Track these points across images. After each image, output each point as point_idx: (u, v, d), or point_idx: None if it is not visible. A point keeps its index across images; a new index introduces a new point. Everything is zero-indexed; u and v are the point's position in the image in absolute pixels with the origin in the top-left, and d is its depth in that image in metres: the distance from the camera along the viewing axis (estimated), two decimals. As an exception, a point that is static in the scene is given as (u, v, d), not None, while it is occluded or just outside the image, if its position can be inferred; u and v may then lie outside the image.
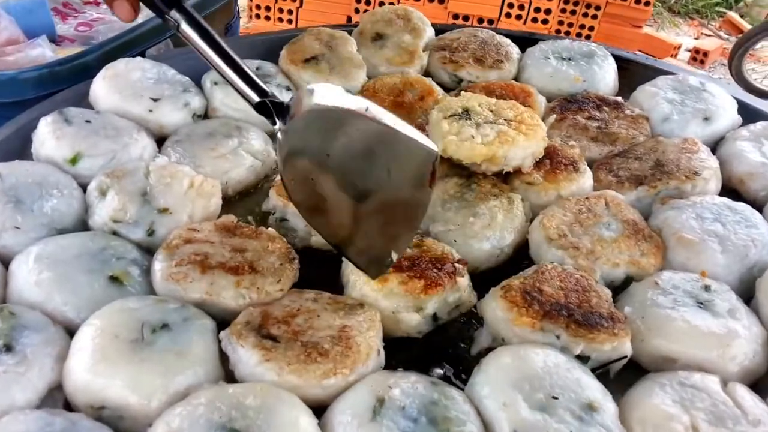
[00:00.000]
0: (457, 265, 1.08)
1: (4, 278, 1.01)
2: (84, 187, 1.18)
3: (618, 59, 1.70)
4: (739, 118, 1.51)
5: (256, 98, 0.98)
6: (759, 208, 1.27)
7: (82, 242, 1.05)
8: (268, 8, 4.15)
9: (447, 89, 1.62)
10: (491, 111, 1.30)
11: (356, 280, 1.06)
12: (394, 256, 1.00)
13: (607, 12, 3.99)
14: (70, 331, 0.94)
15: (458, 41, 1.71)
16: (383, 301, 1.03)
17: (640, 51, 4.15)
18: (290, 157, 0.94)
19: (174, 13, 1.03)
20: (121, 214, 1.11)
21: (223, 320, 0.99)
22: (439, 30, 1.79)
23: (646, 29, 4.58)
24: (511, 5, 3.75)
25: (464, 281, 1.08)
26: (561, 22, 3.96)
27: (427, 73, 1.67)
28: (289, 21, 4.42)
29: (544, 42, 1.72)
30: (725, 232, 1.17)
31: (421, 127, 1.34)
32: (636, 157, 1.37)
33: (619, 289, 1.13)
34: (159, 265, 1.03)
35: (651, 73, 1.66)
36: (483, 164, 1.24)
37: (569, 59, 1.65)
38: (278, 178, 1.20)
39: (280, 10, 4.24)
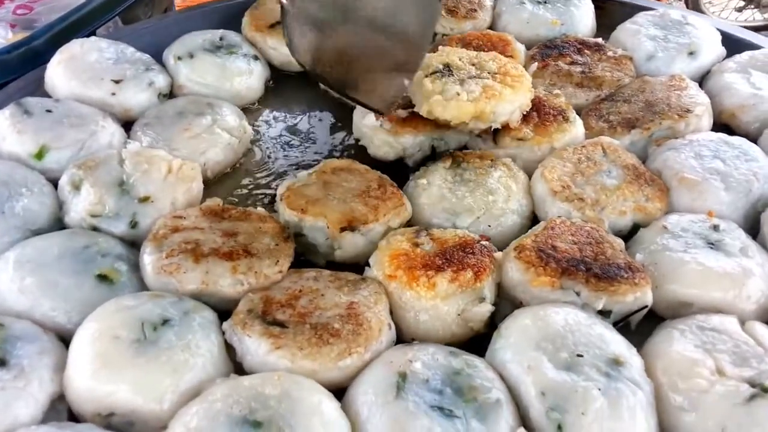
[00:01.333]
0: (484, 243, 1.07)
1: (-16, 290, 0.97)
2: (55, 183, 1.14)
3: (594, -1, 1.69)
4: (723, 50, 1.51)
5: None
6: (753, 141, 1.28)
7: (61, 242, 1.01)
8: None
9: None
10: (473, 65, 1.28)
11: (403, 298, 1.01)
12: (407, 82, 1.11)
13: None
14: (63, 338, 0.91)
15: None
16: (443, 306, 0.99)
17: None
18: (299, 19, 1.07)
19: None
20: (99, 208, 1.07)
21: (222, 310, 0.97)
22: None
23: None
24: None
25: (500, 255, 1.06)
26: None
27: None
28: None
29: None
30: (726, 169, 1.18)
31: (403, 87, 1.31)
32: (624, 100, 1.37)
33: (628, 236, 1.14)
34: (148, 258, 1.00)
35: (629, 10, 1.65)
36: (471, 122, 1.22)
37: (545, 2, 1.63)
38: (281, 189, 1.16)
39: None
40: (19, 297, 0.94)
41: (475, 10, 1.64)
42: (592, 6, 1.66)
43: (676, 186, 1.19)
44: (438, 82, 1.24)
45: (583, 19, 1.62)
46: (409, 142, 1.28)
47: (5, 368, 0.84)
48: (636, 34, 1.53)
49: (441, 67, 1.27)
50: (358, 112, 1.34)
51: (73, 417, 0.87)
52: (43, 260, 0.98)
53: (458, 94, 1.21)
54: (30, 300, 0.94)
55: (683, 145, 1.24)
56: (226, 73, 1.41)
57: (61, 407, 0.87)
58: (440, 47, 1.37)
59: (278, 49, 1.50)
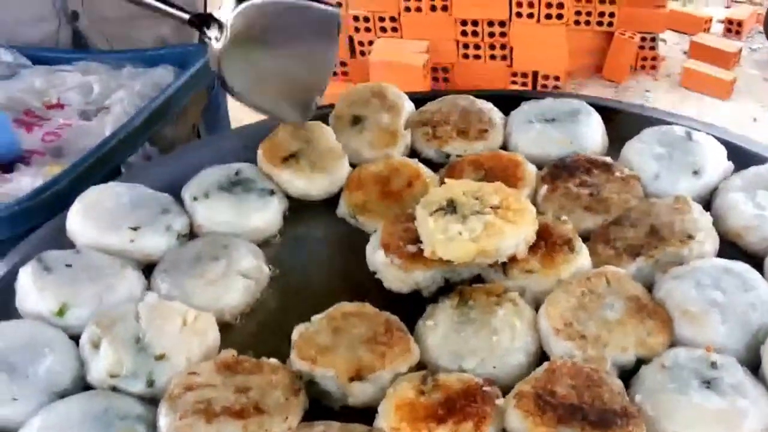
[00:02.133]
0: (486, 389, 1.12)
1: (9, 459, 1.07)
2: (76, 339, 1.24)
3: (604, 110, 1.76)
4: (730, 165, 1.58)
5: (185, 15, 1.42)
6: (760, 261, 1.34)
7: (83, 406, 1.10)
8: None
9: (435, 164, 1.70)
10: (476, 198, 1.35)
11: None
12: (318, 100, 1.60)
13: None
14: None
15: (439, 113, 1.77)
16: None
17: (670, 30, 4.10)
18: (228, 55, 1.41)
19: None
20: (117, 368, 1.17)
21: (234, 469, 1.04)
22: (418, 100, 1.86)
23: (672, 5, 4.54)
24: (520, 4, 3.71)
25: (502, 401, 1.12)
26: (578, 13, 3.89)
27: (413, 151, 1.75)
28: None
29: (526, 103, 1.78)
30: (725, 300, 1.24)
31: (411, 218, 1.39)
32: (630, 224, 1.43)
33: (633, 370, 1.19)
34: (164, 420, 1.09)
35: (640, 121, 1.73)
36: (476, 259, 1.30)
37: (553, 120, 1.72)
38: (294, 335, 1.24)
39: None
40: (44, 467, 1.02)
41: (486, 130, 1.73)
42: (600, 120, 1.74)
43: (678, 318, 1.25)
44: (441, 220, 1.31)
45: (593, 136, 1.70)
46: (421, 277, 1.36)
47: None
48: (642, 153, 1.60)
49: (445, 203, 1.34)
50: (370, 248, 1.43)
51: None
52: (65, 427, 1.06)
53: (460, 234, 1.28)
54: (53, 470, 1.02)
55: (687, 273, 1.30)
56: (242, 210, 1.51)
57: None
58: (446, 179, 1.44)
59: (293, 183, 1.61)
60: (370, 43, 3.73)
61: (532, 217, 1.35)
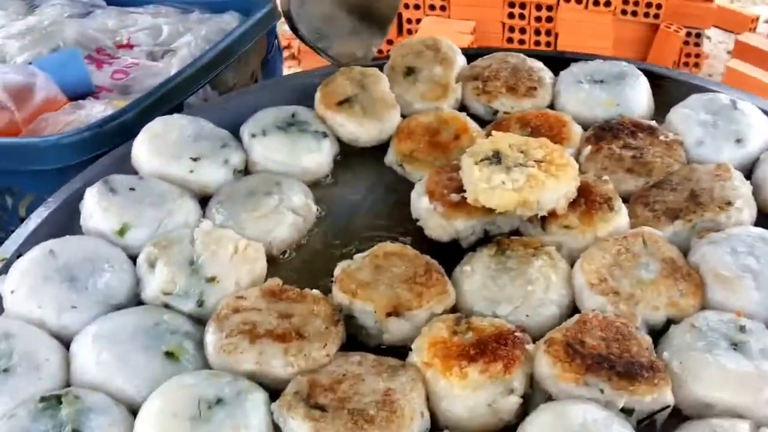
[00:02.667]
0: (518, 334, 1.13)
1: (66, 361, 1.11)
2: (134, 259, 1.28)
3: (652, 76, 1.73)
4: (775, 135, 1.53)
5: None
6: (799, 233, 1.30)
7: (136, 319, 1.14)
8: None
9: (483, 121, 1.68)
10: (522, 152, 1.34)
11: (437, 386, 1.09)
12: (378, 43, 1.63)
13: None
14: (132, 410, 1.03)
15: (489, 69, 1.75)
16: (473, 396, 1.05)
17: (715, 26, 3.98)
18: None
19: None
20: (170, 286, 1.20)
21: (273, 389, 1.07)
22: (470, 55, 1.85)
23: (720, 1, 4.39)
24: None
25: (532, 347, 1.12)
26: (626, 2, 3.80)
27: (461, 106, 1.73)
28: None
29: (575, 65, 1.75)
30: (759, 267, 1.21)
31: (456, 169, 1.40)
32: (671, 188, 1.41)
33: (662, 331, 1.18)
34: (210, 338, 1.12)
35: (685, 89, 1.69)
36: (517, 210, 1.29)
37: (602, 81, 1.68)
38: (336, 271, 1.26)
39: None
40: (96, 370, 1.07)
41: (535, 88, 1.70)
42: (648, 85, 1.70)
43: (711, 282, 1.23)
44: (485, 169, 1.31)
45: (639, 100, 1.66)
46: (462, 225, 1.36)
47: (79, 439, 0.96)
48: (687, 119, 1.56)
49: (491, 154, 1.34)
50: (415, 194, 1.43)
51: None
52: (119, 336, 1.10)
53: (503, 183, 1.28)
54: (105, 374, 1.07)
55: (722, 239, 1.27)
56: (295, 150, 1.53)
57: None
58: (493, 132, 1.44)
59: (345, 126, 1.61)
60: (418, 21, 3.70)
61: (575, 173, 1.33)
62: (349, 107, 1.63)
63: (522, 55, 1.81)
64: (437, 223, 1.37)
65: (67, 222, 1.38)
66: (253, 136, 1.55)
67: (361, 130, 1.61)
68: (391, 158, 1.60)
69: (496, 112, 1.69)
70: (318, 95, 1.67)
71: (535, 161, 1.32)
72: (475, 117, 1.67)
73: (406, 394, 1.04)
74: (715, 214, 1.33)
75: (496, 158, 1.33)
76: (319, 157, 1.56)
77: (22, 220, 1.39)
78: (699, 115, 1.56)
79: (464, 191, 1.34)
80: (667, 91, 1.72)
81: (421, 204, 1.39)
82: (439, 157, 1.55)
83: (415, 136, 1.58)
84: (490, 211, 1.32)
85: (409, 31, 3.76)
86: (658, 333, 1.18)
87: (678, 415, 1.08)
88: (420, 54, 1.78)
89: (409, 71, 1.74)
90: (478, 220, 1.36)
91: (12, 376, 1.06)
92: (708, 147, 1.51)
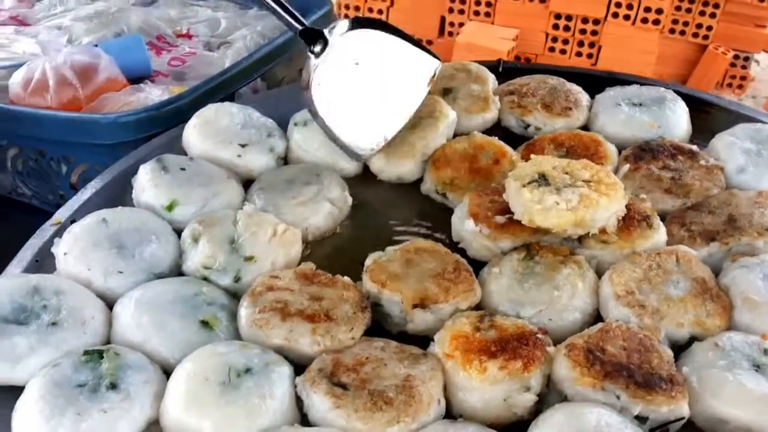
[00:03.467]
0: (540, 336, 1.17)
1: (109, 320, 1.19)
2: (178, 233, 1.35)
3: (699, 102, 1.76)
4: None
5: (299, 26, 1.48)
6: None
7: (176, 288, 1.21)
8: (357, 8, 4.14)
9: (515, 135, 1.72)
10: (567, 173, 1.36)
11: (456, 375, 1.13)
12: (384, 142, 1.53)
13: (726, 10, 3.67)
14: (165, 370, 1.10)
15: (527, 87, 1.79)
16: (490, 390, 1.10)
17: (764, 51, 3.92)
18: (322, 71, 1.47)
19: None
20: (211, 261, 1.27)
21: (298, 364, 1.13)
22: (508, 68, 1.91)
23: None
24: (618, 4, 3.61)
25: (552, 349, 1.16)
26: (675, 21, 3.76)
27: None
28: (380, 21, 4.41)
29: (612, 89, 1.79)
30: (790, 294, 1.23)
31: (496, 192, 1.44)
32: (709, 211, 1.43)
33: (684, 347, 1.20)
34: (244, 312, 1.19)
35: (733, 118, 1.72)
36: (570, 229, 1.31)
37: (640, 105, 1.71)
38: (368, 261, 1.31)
39: (370, 10, 4.22)
40: (136, 331, 1.15)
41: (570, 109, 1.73)
42: (687, 109, 1.72)
43: (739, 305, 1.25)
44: (536, 191, 1.32)
45: (679, 122, 1.69)
46: (508, 246, 1.38)
47: (115, 391, 1.03)
48: (731, 146, 1.59)
49: (536, 176, 1.36)
50: (456, 218, 1.46)
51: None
52: (159, 302, 1.18)
53: (557, 204, 1.30)
54: (143, 335, 1.14)
55: (755, 264, 1.29)
56: (328, 143, 1.57)
57: (155, 430, 1.05)
58: (532, 156, 1.45)
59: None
60: (461, 25, 3.73)
61: (623, 192, 1.35)
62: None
63: (562, 79, 1.84)
64: (482, 245, 1.40)
65: (119, 194, 1.47)
66: (296, 124, 1.63)
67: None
68: (429, 186, 1.60)
69: (527, 126, 1.73)
70: None
71: (583, 181, 1.35)
72: (506, 131, 1.71)
73: (425, 381, 1.09)
74: (753, 239, 1.35)
75: (543, 180, 1.35)
76: None
77: (71, 186, 1.49)
78: (744, 144, 1.58)
79: (509, 213, 1.37)
80: (712, 117, 1.75)
81: (465, 227, 1.41)
82: (482, 182, 1.55)
83: (453, 164, 1.58)
84: (538, 230, 1.35)
85: (450, 33, 3.78)
86: (679, 348, 1.20)
87: (691, 426, 1.11)
88: (452, 77, 1.81)
89: (446, 91, 1.77)
90: (524, 240, 1.38)
91: (59, 329, 1.14)
92: (749, 174, 1.53)
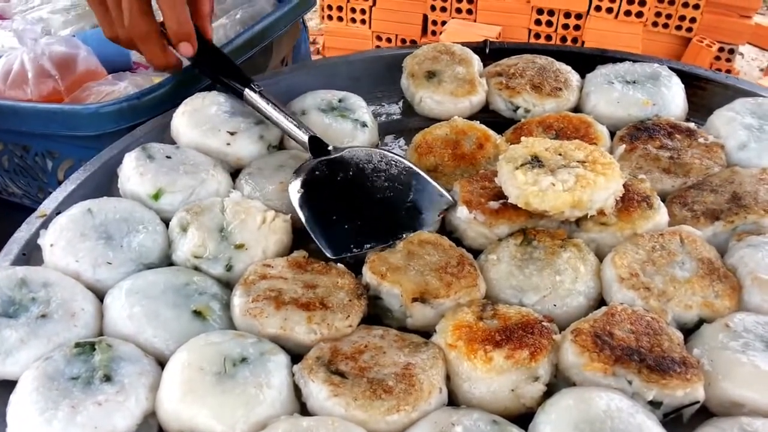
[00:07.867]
0: (546, 324, 1.16)
1: (100, 312, 1.19)
2: (166, 222, 1.35)
3: (695, 78, 1.76)
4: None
5: (305, 138, 1.48)
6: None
7: (167, 278, 1.21)
8: (340, 8, 4.16)
9: (503, 118, 1.72)
10: (560, 154, 1.36)
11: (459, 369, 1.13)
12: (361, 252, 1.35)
13: (710, 1, 3.77)
14: (160, 361, 1.10)
15: (515, 67, 1.78)
16: (497, 380, 1.09)
17: (749, 43, 3.94)
18: (315, 183, 1.42)
19: (247, 92, 1.56)
20: (201, 250, 1.27)
21: (295, 354, 1.13)
22: (495, 50, 1.90)
23: (757, 18, 4.26)
24: None
25: (558, 337, 1.16)
26: (658, 14, 3.76)
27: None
28: (363, 21, 4.43)
29: (603, 66, 1.77)
30: (800, 272, 1.22)
31: (486, 177, 1.43)
32: (711, 190, 1.43)
33: (692, 330, 1.20)
34: (237, 301, 1.18)
35: (731, 93, 1.71)
36: (567, 211, 1.31)
37: (634, 82, 1.70)
38: (370, 255, 1.31)
39: (353, 10, 4.23)
40: (127, 322, 1.14)
41: (561, 89, 1.72)
42: (683, 86, 1.71)
43: (748, 285, 1.25)
44: (530, 173, 1.32)
45: (675, 100, 1.68)
46: (505, 232, 1.37)
47: (110, 383, 1.03)
48: (731, 122, 1.58)
49: (529, 158, 1.35)
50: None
51: (162, 433, 1.04)
52: (151, 292, 1.17)
53: (553, 185, 1.30)
54: (136, 326, 1.14)
55: (763, 243, 1.29)
56: (329, 133, 1.58)
57: (152, 422, 1.05)
58: (522, 138, 1.44)
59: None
60: (443, 23, 3.76)
61: (619, 171, 1.34)
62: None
63: (550, 58, 1.82)
64: (478, 232, 1.39)
65: (105, 185, 1.46)
66: (294, 114, 1.61)
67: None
68: None
69: (516, 108, 1.72)
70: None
71: (577, 162, 1.35)
72: (494, 114, 1.70)
73: (425, 370, 1.09)
74: (759, 217, 1.35)
75: (537, 162, 1.35)
76: (352, 143, 1.59)
77: (59, 183, 1.48)
78: (745, 119, 1.58)
79: (503, 198, 1.36)
80: (709, 93, 1.75)
81: (460, 215, 1.40)
82: (467, 168, 1.54)
83: (435, 150, 1.57)
84: (534, 214, 1.35)
85: (434, 32, 3.83)
86: (688, 331, 1.20)
87: (704, 410, 1.10)
88: (436, 59, 1.80)
89: (431, 74, 1.77)
90: (521, 225, 1.38)
91: (49, 321, 1.14)
92: (752, 151, 1.53)
